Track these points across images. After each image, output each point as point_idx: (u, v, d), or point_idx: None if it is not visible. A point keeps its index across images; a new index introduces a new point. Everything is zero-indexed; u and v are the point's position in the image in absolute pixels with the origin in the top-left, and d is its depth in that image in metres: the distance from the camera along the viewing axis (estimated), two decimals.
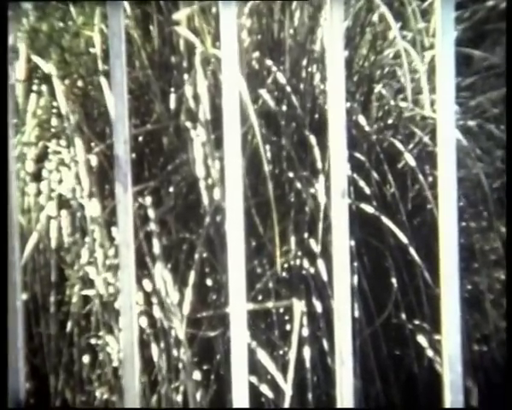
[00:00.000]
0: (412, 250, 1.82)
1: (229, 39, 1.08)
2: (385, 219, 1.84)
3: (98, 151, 1.83)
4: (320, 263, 1.81)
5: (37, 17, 1.89)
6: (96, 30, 1.82)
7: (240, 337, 1.10)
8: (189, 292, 1.74)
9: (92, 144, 1.85)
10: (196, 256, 1.77)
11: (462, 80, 2.01)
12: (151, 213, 1.78)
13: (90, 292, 1.77)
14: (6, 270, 1.07)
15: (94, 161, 1.83)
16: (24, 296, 1.20)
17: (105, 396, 1.75)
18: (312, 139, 1.83)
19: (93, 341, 1.78)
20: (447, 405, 1.13)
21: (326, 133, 1.61)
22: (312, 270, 1.82)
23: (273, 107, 1.84)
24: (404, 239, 1.83)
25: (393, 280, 1.86)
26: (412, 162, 1.85)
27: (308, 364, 1.75)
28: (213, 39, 1.82)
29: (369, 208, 1.86)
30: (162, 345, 1.72)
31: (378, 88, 1.97)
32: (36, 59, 1.87)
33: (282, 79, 1.86)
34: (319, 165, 1.82)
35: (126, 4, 1.84)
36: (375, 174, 1.87)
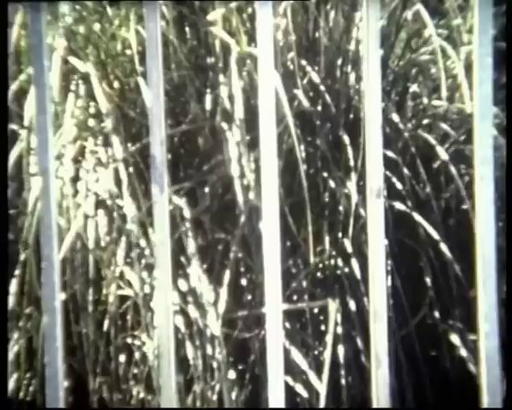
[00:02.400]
0: (447, 250, 1.81)
1: (266, 39, 1.08)
2: (419, 219, 1.83)
3: (134, 151, 1.84)
4: (354, 262, 1.80)
5: (75, 19, 1.91)
6: (132, 31, 1.83)
7: (275, 337, 1.10)
8: (224, 292, 1.75)
9: (129, 145, 1.86)
10: (231, 256, 1.77)
11: (500, 77, 1.98)
12: (186, 213, 1.79)
13: (126, 291, 1.78)
14: (6, 268, 1.08)
15: (130, 161, 1.85)
16: (62, 296, 1.21)
17: (141, 395, 1.76)
18: (346, 139, 1.82)
19: (129, 340, 1.79)
20: (484, 406, 1.12)
21: (361, 133, 1.61)
22: (346, 269, 1.82)
23: (308, 107, 1.84)
24: (438, 239, 1.81)
25: (428, 280, 1.85)
26: (447, 161, 1.84)
27: (343, 363, 1.75)
28: (249, 39, 1.82)
29: (403, 207, 1.85)
30: (197, 344, 1.73)
31: (413, 87, 1.96)
32: (73, 60, 1.89)
33: (316, 78, 1.85)
34: (353, 164, 1.81)
35: (163, 6, 1.85)
36: (409, 173, 1.86)
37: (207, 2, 1.87)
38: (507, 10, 1.10)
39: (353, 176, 1.80)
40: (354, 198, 1.77)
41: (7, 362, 1.08)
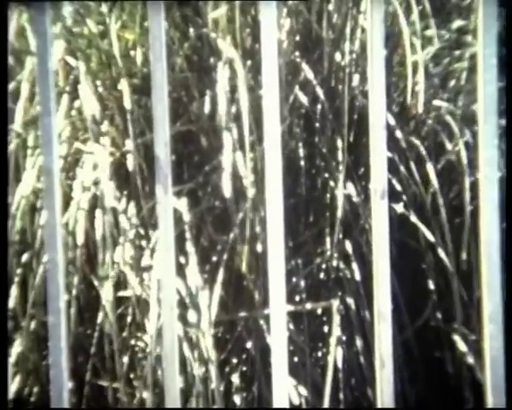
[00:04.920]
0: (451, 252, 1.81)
1: (269, 39, 1.08)
2: (423, 221, 1.83)
3: (135, 152, 1.84)
4: (354, 264, 1.80)
5: (76, 20, 1.91)
6: (134, 33, 1.83)
7: (279, 339, 1.10)
8: (223, 293, 1.74)
9: (130, 146, 1.85)
10: (232, 257, 1.77)
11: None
12: (187, 214, 1.78)
13: (126, 293, 1.77)
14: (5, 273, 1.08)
15: (130, 161, 1.84)
16: (66, 297, 1.21)
17: (144, 396, 1.76)
18: (350, 140, 1.82)
19: (132, 341, 1.78)
20: (489, 407, 1.12)
21: (364, 134, 1.60)
22: (347, 271, 1.82)
23: (310, 107, 1.84)
24: (442, 240, 1.81)
25: (430, 282, 1.85)
26: (453, 162, 1.84)
27: (344, 365, 1.75)
28: (252, 40, 1.82)
29: (405, 210, 1.84)
30: (197, 346, 1.72)
31: (416, 87, 1.96)
32: (72, 61, 1.88)
33: (319, 79, 1.85)
34: (356, 166, 1.81)
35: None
36: (412, 175, 1.86)
37: (210, 2, 1.87)
38: (507, 12, 1.10)
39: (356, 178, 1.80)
40: (357, 200, 1.77)
41: (7, 365, 1.07)
